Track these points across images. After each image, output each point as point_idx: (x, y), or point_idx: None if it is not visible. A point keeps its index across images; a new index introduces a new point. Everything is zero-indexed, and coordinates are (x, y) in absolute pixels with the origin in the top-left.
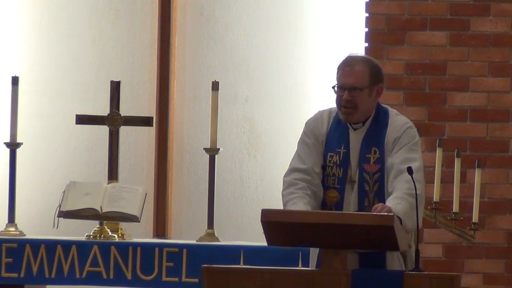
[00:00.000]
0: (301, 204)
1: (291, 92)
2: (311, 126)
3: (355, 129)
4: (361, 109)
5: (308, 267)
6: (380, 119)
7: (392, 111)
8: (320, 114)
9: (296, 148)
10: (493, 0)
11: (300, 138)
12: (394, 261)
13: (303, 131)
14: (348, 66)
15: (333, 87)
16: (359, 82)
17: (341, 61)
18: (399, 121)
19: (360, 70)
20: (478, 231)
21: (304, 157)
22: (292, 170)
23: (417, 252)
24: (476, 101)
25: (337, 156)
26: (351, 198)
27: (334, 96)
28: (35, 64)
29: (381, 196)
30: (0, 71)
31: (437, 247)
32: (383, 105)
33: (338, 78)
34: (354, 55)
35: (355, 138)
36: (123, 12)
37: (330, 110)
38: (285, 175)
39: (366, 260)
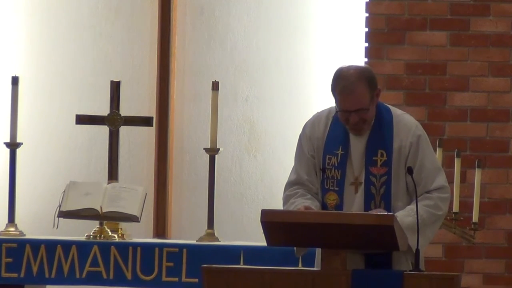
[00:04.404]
0: (300, 199)
1: (291, 92)
2: (307, 132)
3: None
4: (370, 120)
5: (311, 267)
6: (383, 120)
7: (396, 111)
8: (318, 116)
9: (295, 151)
10: (493, 0)
11: (299, 140)
12: (400, 261)
13: (301, 134)
14: (346, 91)
15: (337, 112)
16: (363, 104)
17: (334, 80)
18: (408, 124)
19: (360, 91)
20: (478, 231)
21: (299, 167)
22: (289, 184)
23: (417, 252)
24: (476, 101)
25: (335, 158)
26: (353, 200)
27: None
28: (35, 64)
29: (387, 199)
30: (0, 71)
31: (437, 247)
32: (384, 104)
33: (340, 103)
34: (346, 72)
35: (357, 139)
36: (123, 12)
37: (328, 111)
38: (284, 190)
39: (371, 261)
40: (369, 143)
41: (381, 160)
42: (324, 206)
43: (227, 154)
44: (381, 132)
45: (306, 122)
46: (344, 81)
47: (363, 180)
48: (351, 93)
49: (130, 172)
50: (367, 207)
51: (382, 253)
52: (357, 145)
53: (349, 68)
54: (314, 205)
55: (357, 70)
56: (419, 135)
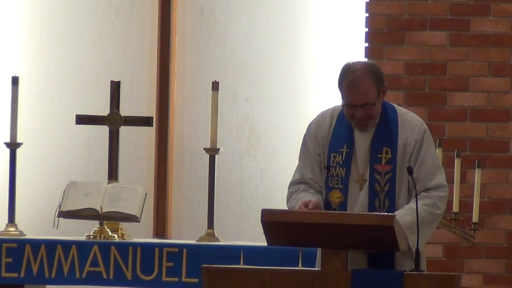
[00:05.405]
0: (302, 193)
1: (291, 92)
2: (313, 131)
3: None
4: (375, 117)
5: (311, 267)
6: (388, 118)
7: (400, 109)
8: (322, 115)
9: (299, 151)
10: (493, 0)
11: (303, 139)
12: (404, 260)
13: (306, 133)
14: (353, 85)
15: (343, 105)
16: (370, 98)
17: (341, 75)
18: (413, 121)
19: (367, 85)
20: (478, 231)
21: (303, 166)
22: (292, 183)
23: (417, 252)
24: (476, 101)
25: (340, 156)
26: (357, 198)
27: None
28: (35, 64)
29: (391, 196)
30: (0, 71)
31: (437, 247)
32: (389, 103)
33: (346, 97)
34: (353, 66)
35: (362, 137)
36: (123, 12)
37: (333, 110)
38: (288, 188)
39: (374, 260)
40: (374, 141)
41: (385, 157)
42: (327, 204)
43: (227, 154)
44: (386, 129)
45: (311, 122)
46: (352, 75)
47: (367, 178)
48: (358, 87)
49: (130, 172)
50: (371, 205)
51: (385, 252)
52: (362, 143)
53: (356, 63)
54: (315, 197)
55: (364, 65)
56: (424, 133)
